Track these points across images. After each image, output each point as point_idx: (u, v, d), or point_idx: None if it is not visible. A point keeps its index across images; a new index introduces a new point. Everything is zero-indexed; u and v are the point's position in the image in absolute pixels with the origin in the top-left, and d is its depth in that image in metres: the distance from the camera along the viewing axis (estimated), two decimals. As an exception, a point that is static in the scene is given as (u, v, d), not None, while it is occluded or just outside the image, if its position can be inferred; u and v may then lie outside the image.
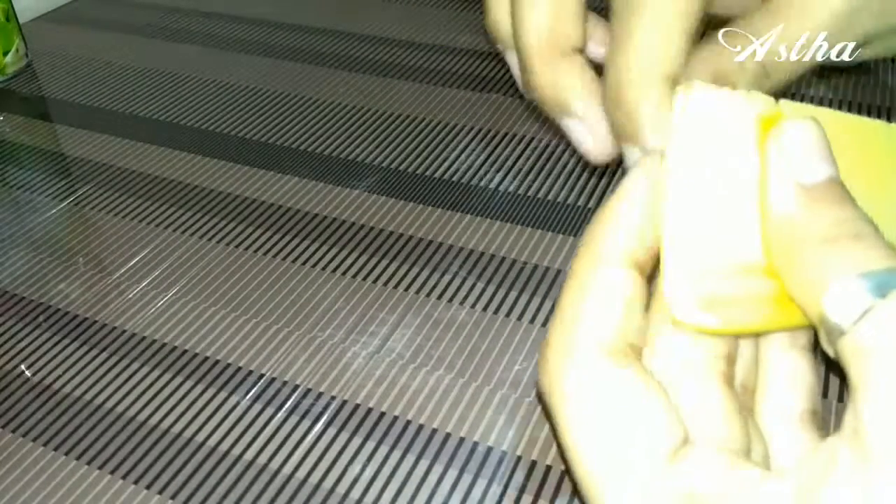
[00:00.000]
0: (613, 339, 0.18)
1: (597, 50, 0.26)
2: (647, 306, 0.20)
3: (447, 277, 0.36)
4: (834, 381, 0.29)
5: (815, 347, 0.20)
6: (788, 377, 0.21)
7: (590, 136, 0.25)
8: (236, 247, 0.39)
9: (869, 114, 0.45)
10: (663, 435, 0.18)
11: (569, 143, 0.44)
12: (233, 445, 0.29)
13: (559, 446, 0.19)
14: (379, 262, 0.37)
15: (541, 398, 0.20)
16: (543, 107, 0.26)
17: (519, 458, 0.28)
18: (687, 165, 0.19)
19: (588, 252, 0.20)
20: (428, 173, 0.43)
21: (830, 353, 0.17)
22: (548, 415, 0.20)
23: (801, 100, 0.46)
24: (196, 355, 0.33)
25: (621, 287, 0.19)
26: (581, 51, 0.26)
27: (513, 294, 0.34)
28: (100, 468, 0.29)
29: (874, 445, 0.15)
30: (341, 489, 0.27)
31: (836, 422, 0.28)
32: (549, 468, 0.27)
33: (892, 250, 0.16)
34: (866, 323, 0.15)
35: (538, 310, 0.33)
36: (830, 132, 0.20)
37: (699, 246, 0.18)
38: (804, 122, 0.19)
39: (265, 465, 0.28)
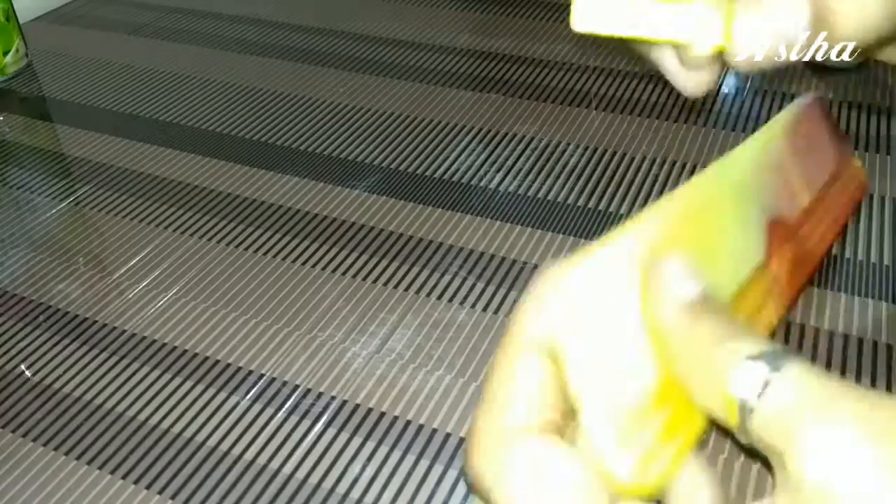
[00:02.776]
0: (535, 417, 0.21)
1: None
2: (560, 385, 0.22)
3: (447, 277, 0.36)
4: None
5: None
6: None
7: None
8: (236, 247, 0.39)
9: (869, 114, 0.45)
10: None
11: (569, 143, 0.44)
12: (233, 445, 0.29)
13: None
14: (379, 262, 0.37)
15: (467, 478, 0.22)
16: None
17: (519, 458, 0.28)
18: (580, 335, 0.21)
19: (508, 343, 0.22)
20: (428, 173, 0.43)
21: (743, 440, 0.19)
22: (475, 491, 0.21)
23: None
24: (196, 355, 0.33)
25: (537, 372, 0.21)
26: None
27: (513, 294, 0.34)
28: (100, 468, 0.29)
29: (811, 494, 0.16)
30: (341, 489, 0.27)
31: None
32: (549, 468, 0.27)
33: (765, 340, 0.19)
34: (772, 390, 0.18)
35: (538, 310, 0.33)
36: (675, 217, 0.24)
37: (615, 405, 0.20)
38: (668, 259, 0.21)
39: (265, 465, 0.28)
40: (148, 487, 0.28)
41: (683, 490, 0.22)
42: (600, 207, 0.39)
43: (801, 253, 0.28)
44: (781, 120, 0.29)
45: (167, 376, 0.32)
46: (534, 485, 0.20)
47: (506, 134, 0.45)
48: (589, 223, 0.38)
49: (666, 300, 0.21)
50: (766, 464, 0.19)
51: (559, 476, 0.20)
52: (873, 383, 0.29)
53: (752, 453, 0.20)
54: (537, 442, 0.20)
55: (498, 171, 0.42)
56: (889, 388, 0.29)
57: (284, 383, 0.31)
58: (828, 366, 0.30)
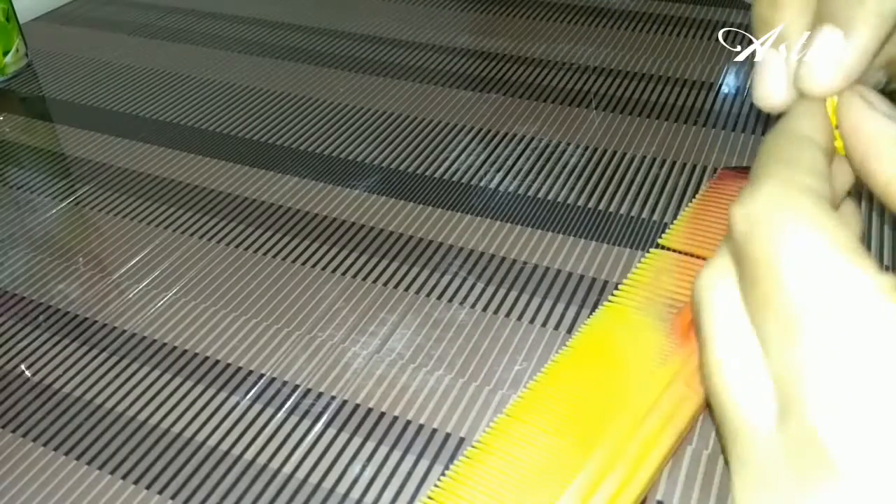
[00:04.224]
0: (812, 183, 0.19)
1: None
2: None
3: (447, 277, 0.36)
4: None
5: None
6: None
7: (775, 74, 0.24)
8: (236, 247, 0.39)
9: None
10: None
11: (569, 143, 0.44)
12: (233, 445, 0.29)
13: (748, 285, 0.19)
14: (379, 262, 0.37)
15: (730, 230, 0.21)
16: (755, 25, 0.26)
17: (519, 458, 0.28)
18: None
19: (779, 136, 0.21)
20: (428, 173, 0.43)
21: None
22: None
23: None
24: (196, 355, 0.33)
25: (819, 155, 0.20)
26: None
27: (513, 294, 0.34)
28: (100, 468, 0.29)
29: None
30: (341, 489, 0.27)
31: None
32: (549, 468, 0.27)
33: None
34: None
35: (538, 310, 0.33)
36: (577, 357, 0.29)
37: None
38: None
39: (265, 465, 0.28)
40: (148, 487, 0.28)
41: None
42: (600, 207, 0.39)
43: None
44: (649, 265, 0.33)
45: (167, 376, 0.32)
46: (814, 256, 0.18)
47: (506, 134, 0.45)
48: (589, 223, 0.38)
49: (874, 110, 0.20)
50: None
51: (836, 256, 0.18)
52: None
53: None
54: (825, 210, 0.18)
55: (498, 171, 0.42)
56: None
57: (284, 383, 0.31)
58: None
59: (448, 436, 0.29)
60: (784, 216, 0.18)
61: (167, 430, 0.30)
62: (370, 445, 0.29)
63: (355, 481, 0.27)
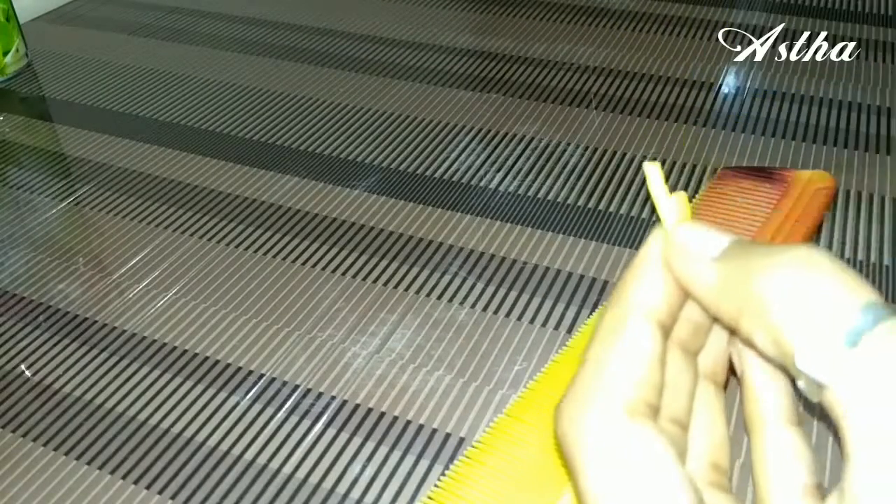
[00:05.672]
0: (634, 398, 0.19)
1: None
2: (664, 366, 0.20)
3: (447, 277, 0.36)
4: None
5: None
6: (788, 453, 0.21)
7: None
8: (236, 247, 0.39)
9: (868, 114, 0.44)
10: None
11: (569, 143, 0.44)
12: (233, 445, 0.29)
13: (575, 492, 0.19)
14: (379, 262, 0.37)
15: (556, 441, 0.20)
16: None
17: (519, 458, 0.28)
18: None
19: (616, 309, 0.20)
20: (428, 173, 0.43)
21: (814, 399, 0.17)
22: (562, 457, 0.20)
23: (802, 99, 0.46)
24: (196, 355, 0.33)
25: (647, 345, 0.19)
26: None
27: (513, 294, 0.34)
28: (100, 468, 0.29)
29: None
30: (341, 489, 0.27)
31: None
32: (549, 468, 0.27)
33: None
34: (844, 377, 0.15)
35: (538, 310, 0.33)
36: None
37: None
38: (680, 226, 0.20)
39: (265, 465, 0.28)
40: (148, 487, 0.28)
41: (783, 448, 0.20)
42: (600, 207, 0.39)
43: None
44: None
45: (167, 376, 0.32)
46: (617, 475, 0.18)
47: (506, 134, 0.45)
48: (589, 223, 0.38)
49: (696, 264, 0.19)
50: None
51: (645, 475, 0.18)
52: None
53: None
54: (628, 422, 0.18)
55: (498, 171, 0.42)
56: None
57: (284, 383, 0.31)
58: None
59: (448, 436, 0.29)
60: (588, 449, 0.19)
61: (167, 430, 0.30)
62: (370, 445, 0.29)
63: (355, 481, 0.27)
